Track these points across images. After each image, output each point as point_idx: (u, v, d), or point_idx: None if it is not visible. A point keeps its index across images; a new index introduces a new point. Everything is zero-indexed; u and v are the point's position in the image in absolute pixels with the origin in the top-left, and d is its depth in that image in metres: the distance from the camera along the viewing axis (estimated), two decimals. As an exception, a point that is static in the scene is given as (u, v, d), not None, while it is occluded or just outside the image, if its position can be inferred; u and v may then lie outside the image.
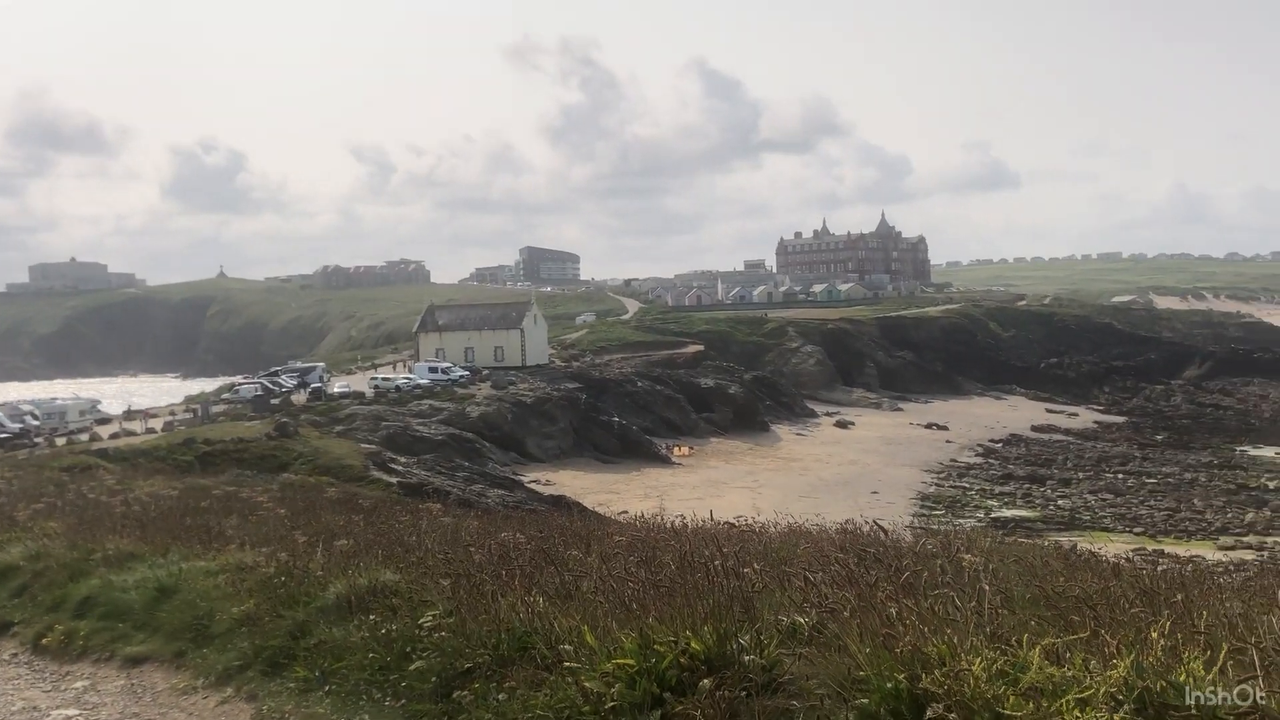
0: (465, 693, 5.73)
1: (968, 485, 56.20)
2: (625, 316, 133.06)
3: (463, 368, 77.12)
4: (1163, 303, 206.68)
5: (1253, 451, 64.14)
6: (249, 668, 7.43)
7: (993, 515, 47.65)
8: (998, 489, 54.79)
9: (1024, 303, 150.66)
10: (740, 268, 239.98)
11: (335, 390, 68.52)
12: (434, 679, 6.03)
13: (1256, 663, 4.08)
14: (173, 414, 62.65)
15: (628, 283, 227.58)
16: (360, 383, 72.63)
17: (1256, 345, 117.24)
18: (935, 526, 19.64)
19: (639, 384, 75.36)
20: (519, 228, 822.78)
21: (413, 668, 6.22)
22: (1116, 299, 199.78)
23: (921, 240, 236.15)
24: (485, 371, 75.90)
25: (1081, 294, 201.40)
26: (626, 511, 33.79)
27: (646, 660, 4.96)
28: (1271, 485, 52.14)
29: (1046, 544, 14.99)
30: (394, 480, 41.99)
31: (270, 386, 72.55)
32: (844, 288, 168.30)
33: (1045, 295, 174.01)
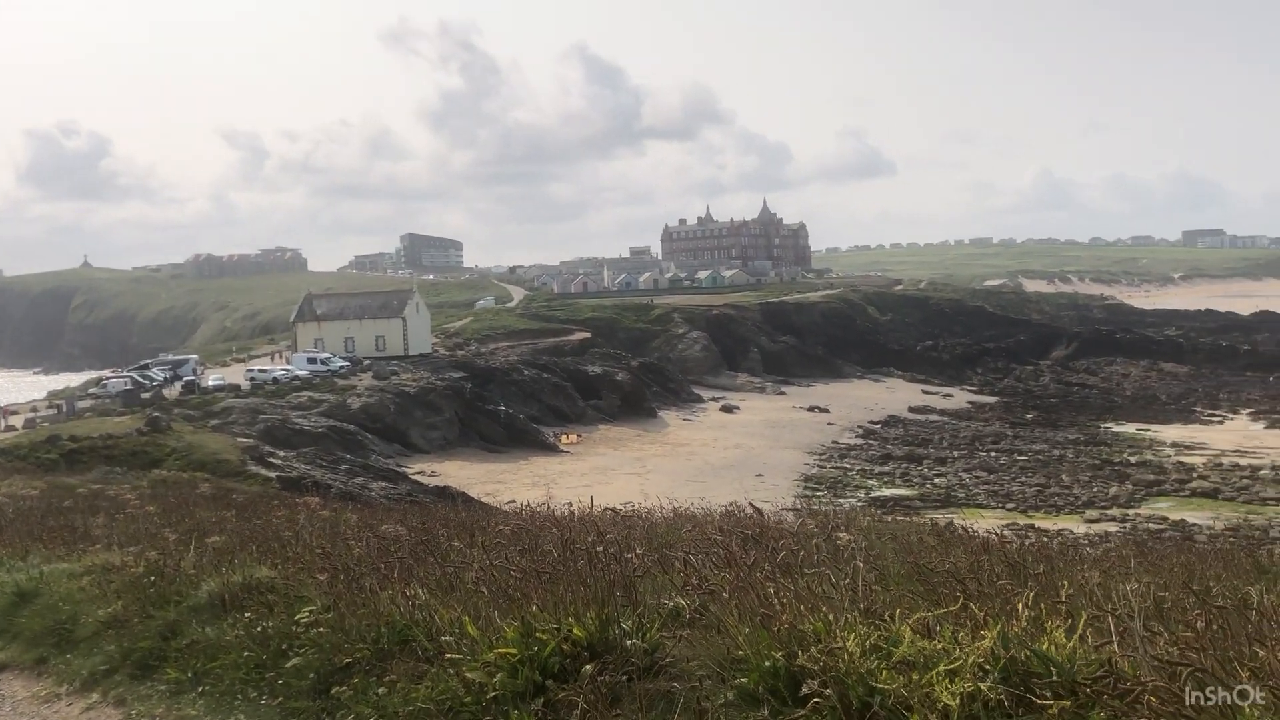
0: (344, 688, 5.61)
1: (849, 466, 57.53)
2: (511, 304, 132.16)
3: (343, 358, 75.53)
4: (1031, 286, 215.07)
5: (1116, 428, 67.17)
6: (116, 672, 7.14)
7: (873, 495, 48.90)
8: (877, 469, 56.22)
9: (900, 288, 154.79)
10: (626, 254, 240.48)
11: (210, 383, 66.39)
12: (312, 675, 5.89)
13: (1112, 629, 4.27)
14: (35, 410, 59.87)
15: (513, 270, 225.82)
16: (236, 375, 70.51)
17: (1118, 326, 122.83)
18: (817, 507, 20.09)
19: (525, 372, 74.97)
20: (400, 214, 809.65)
21: (290, 665, 6.07)
22: (988, 283, 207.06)
23: (802, 227, 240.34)
24: (366, 362, 74.49)
25: (955, 278, 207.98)
26: (514, 501, 33.58)
27: (529, 648, 4.93)
28: (1133, 460, 54.71)
29: (923, 521, 15.46)
30: (273, 475, 40.92)
31: (140, 380, 69.90)
32: (728, 274, 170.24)
33: (921, 280, 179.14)
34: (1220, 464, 51.49)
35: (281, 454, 47.20)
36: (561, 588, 5.48)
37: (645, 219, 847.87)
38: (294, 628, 6.46)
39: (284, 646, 6.29)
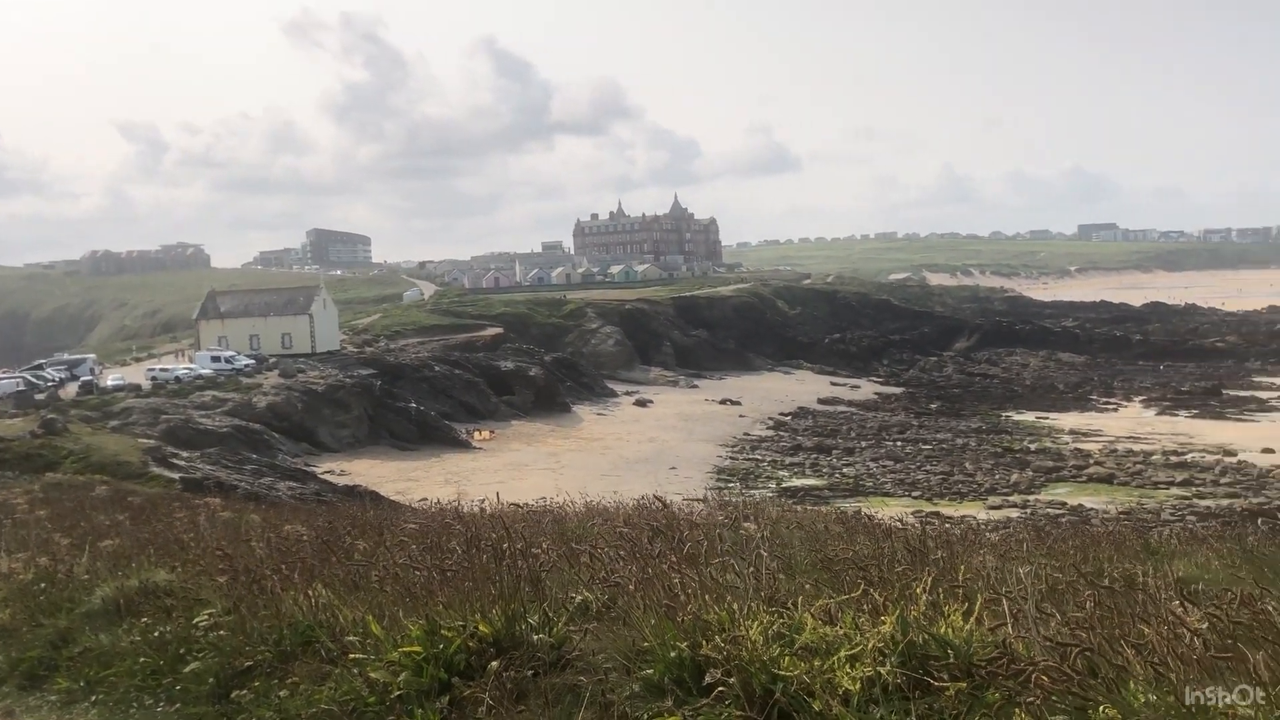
0: (245, 692, 5.49)
1: (760, 457, 58.18)
2: (421, 299, 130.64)
3: (248, 356, 73.78)
4: (934, 279, 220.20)
5: (1016, 417, 69.08)
6: (4, 683, 6.88)
7: (783, 485, 49.53)
8: (788, 460, 56.95)
9: (809, 281, 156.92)
10: (538, 249, 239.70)
11: (109, 383, 64.26)
12: (211, 680, 5.75)
13: (1007, 611, 4.40)
14: (-82, 414, 57.23)
15: (422, 265, 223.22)
16: (136, 374, 68.37)
17: (1018, 318, 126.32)
18: (729, 498, 20.31)
19: (436, 369, 74.18)
20: (305, 209, 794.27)
21: (188, 670, 5.91)
22: (893, 276, 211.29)
23: (713, 222, 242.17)
24: (273, 360, 72.87)
25: (861, 272, 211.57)
26: (426, 499, 33.23)
27: (434, 646, 4.88)
28: (1033, 448, 56.33)
29: (832, 511, 15.71)
30: (176, 476, 39.79)
31: (34, 381, 67.32)
32: (640, 268, 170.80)
33: (828, 274, 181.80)
34: (1115, 450, 53.31)
35: (185, 455, 45.95)
36: (468, 584, 5.44)
37: (557, 214, 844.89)
38: (193, 631, 6.30)
39: (182, 651, 6.13)
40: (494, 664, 4.64)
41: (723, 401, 79.45)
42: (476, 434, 64.71)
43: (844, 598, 4.65)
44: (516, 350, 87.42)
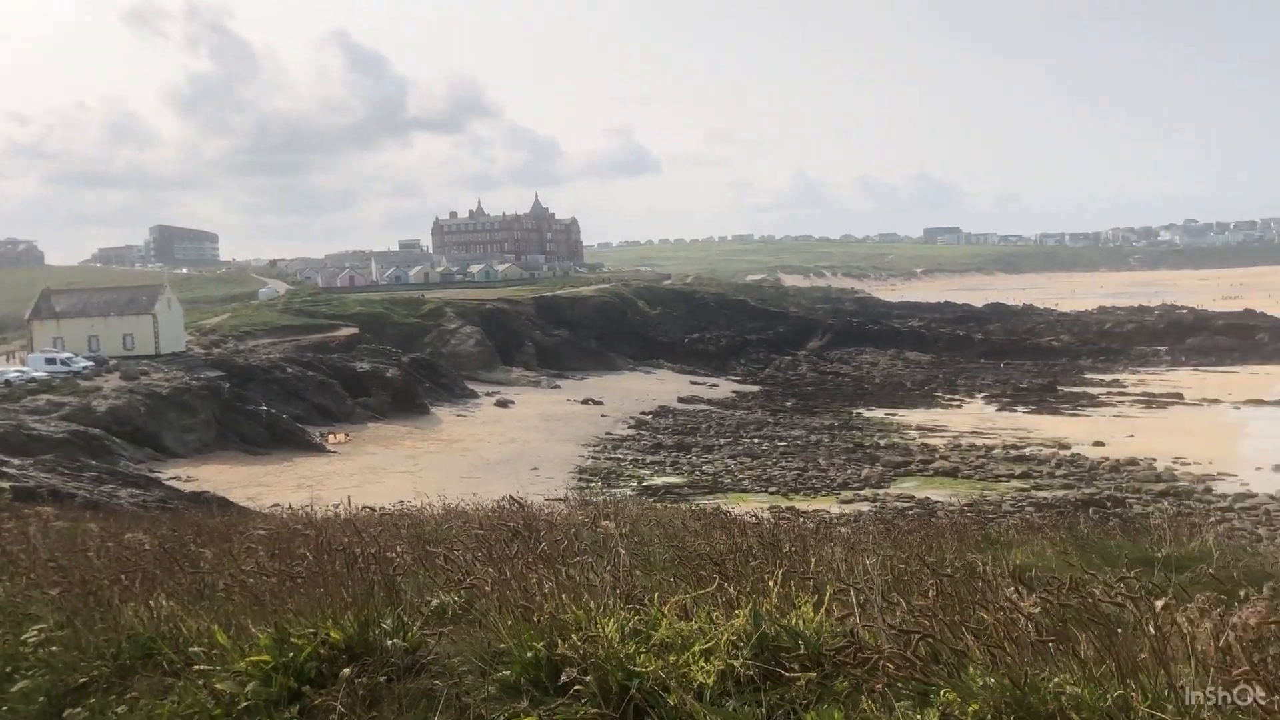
0: (79, 710, 5.22)
1: (622, 456, 58.51)
2: (274, 298, 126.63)
3: (86, 358, 70.17)
4: (789, 280, 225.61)
5: (867, 414, 71.27)
6: None
7: (645, 483, 49.93)
8: (649, 458, 57.42)
9: (669, 282, 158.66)
10: (395, 248, 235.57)
11: (-72, 387, 60.19)
12: (42, 699, 5.45)
13: (854, 601, 4.55)
14: None
15: (273, 264, 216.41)
16: (-40, 378, 64.21)
17: (868, 318, 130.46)
18: (590, 498, 20.38)
19: (289, 370, 72.02)
20: (147, 205, 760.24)
21: (16, 689, 5.58)
22: (750, 278, 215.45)
23: (574, 222, 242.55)
24: (113, 361, 69.50)
25: (719, 273, 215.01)
26: (278, 505, 32.23)
27: (283, 655, 4.74)
28: (882, 443, 58.23)
29: (691, 508, 15.93)
30: (6, 485, 37.51)
31: None
32: (501, 268, 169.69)
33: (687, 275, 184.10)
34: (959, 445, 55.57)
35: (16, 462, 43.34)
36: (320, 591, 5.30)
37: (415, 212, 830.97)
38: (21, 648, 5.95)
39: (9, 670, 5.79)
40: (346, 671, 4.53)
41: (584, 401, 79.56)
42: (331, 437, 63.12)
43: (699, 593, 4.72)
44: (373, 351, 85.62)
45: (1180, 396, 66.73)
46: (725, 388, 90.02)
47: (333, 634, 4.77)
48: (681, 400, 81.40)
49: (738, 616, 4.34)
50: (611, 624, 4.21)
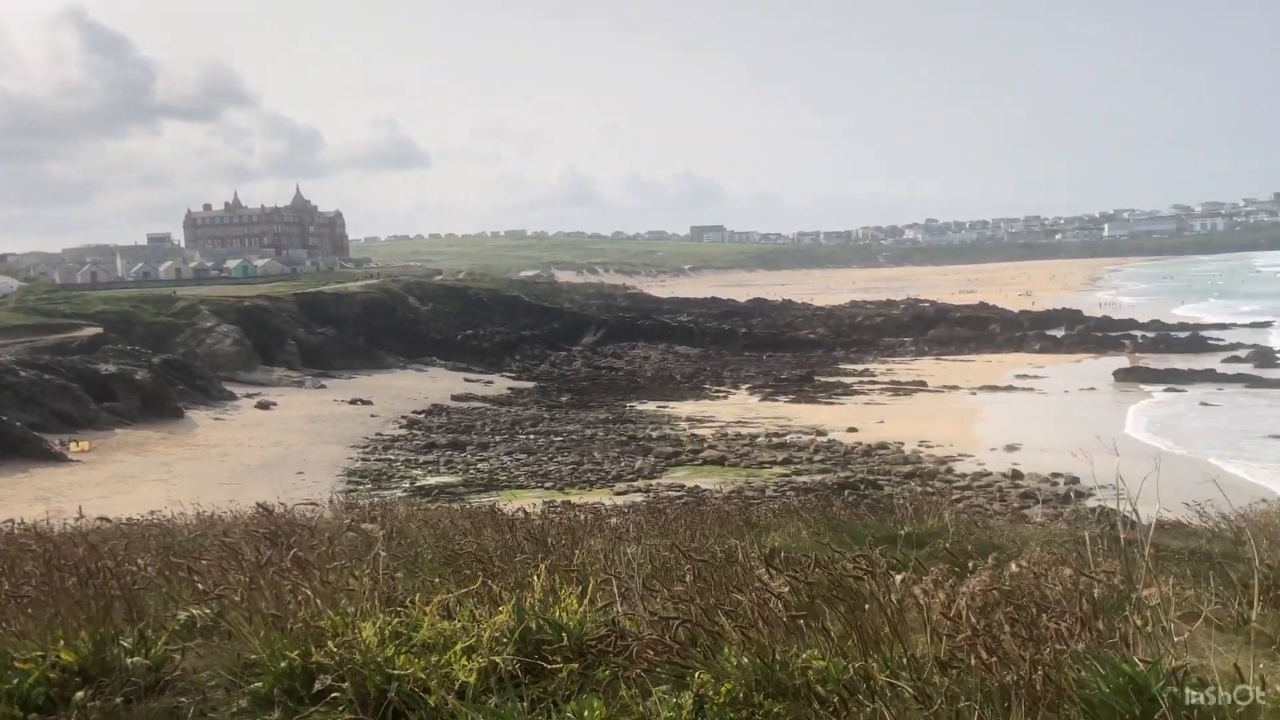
0: None
1: (393, 457, 57.16)
2: (4, 295, 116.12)
3: None
4: (562, 277, 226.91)
5: (639, 406, 72.66)
6: None
7: (418, 484, 48.98)
8: (422, 458, 56.38)
9: (440, 278, 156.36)
10: (143, 242, 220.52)
11: None
12: None
13: (615, 591, 4.65)
14: None
15: (3, 258, 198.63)
16: None
17: (640, 313, 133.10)
18: (359, 500, 19.83)
19: (22, 374, 66.17)
20: None
21: None
22: (523, 274, 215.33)
23: (339, 215, 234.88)
24: None
25: (492, 269, 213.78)
26: (11, 520, 29.65)
27: (6, 681, 4.37)
28: (655, 435, 59.52)
29: (465, 507, 15.79)
30: None
31: None
32: (260, 263, 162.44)
33: (460, 270, 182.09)
34: (726, 434, 57.52)
35: None
36: (50, 611, 4.91)
37: (165, 204, 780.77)
38: None
39: None
40: (79, 694, 4.23)
41: (353, 401, 77.22)
42: (73, 445, 58.50)
43: (463, 591, 4.69)
44: (120, 352, 79.91)
45: (924, 384, 71.65)
46: (500, 384, 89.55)
47: (64, 655, 4.43)
48: (455, 398, 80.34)
49: (501, 613, 4.35)
50: (370, 628, 4.12)
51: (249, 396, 78.75)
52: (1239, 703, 3.97)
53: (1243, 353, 74.19)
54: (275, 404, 75.73)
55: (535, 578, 4.85)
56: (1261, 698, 4.00)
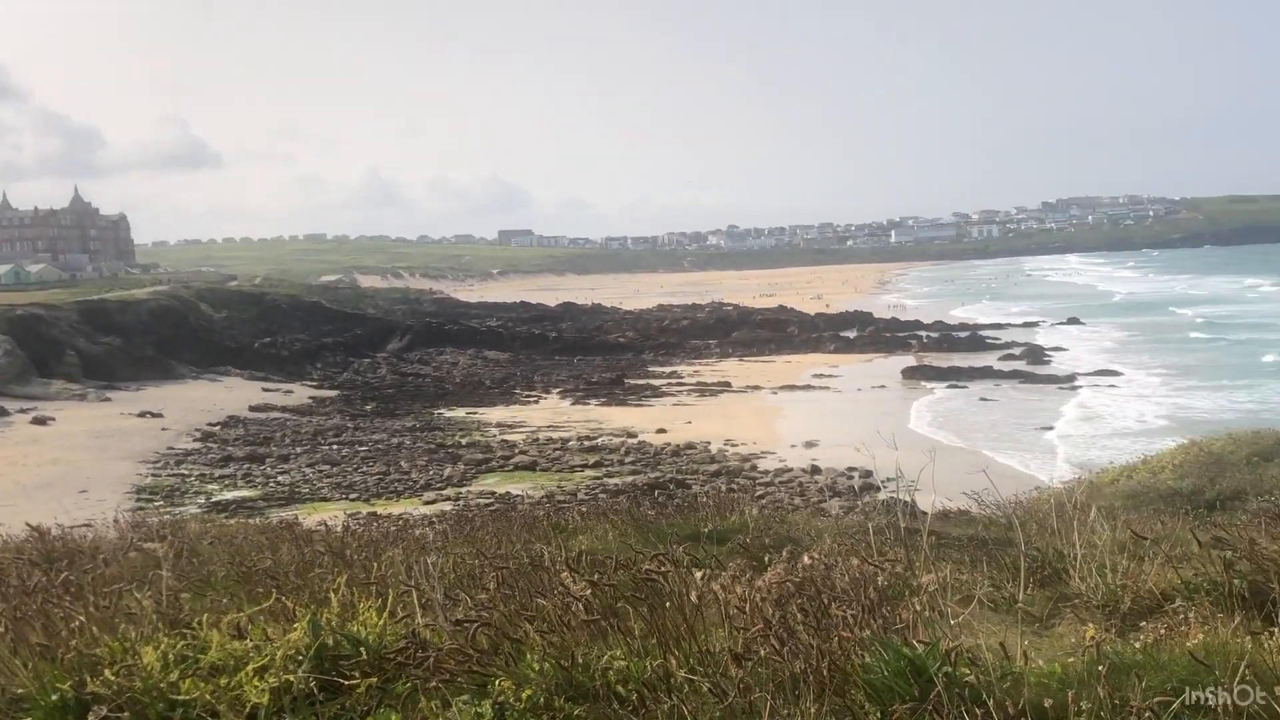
0: None
1: (187, 472, 54.37)
2: None
3: None
4: (366, 281, 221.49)
5: (448, 413, 71.62)
6: None
7: (214, 499, 46.78)
8: (218, 472, 53.86)
9: (235, 283, 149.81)
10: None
11: None
12: None
13: (416, 602, 4.58)
14: None
15: None
16: None
17: (447, 318, 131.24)
18: (149, 519, 18.73)
19: None
20: None
21: None
22: (325, 278, 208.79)
23: (123, 218, 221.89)
24: None
25: (291, 274, 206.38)
26: None
27: None
28: (464, 442, 58.83)
29: (265, 522, 15.17)
30: None
31: None
32: (34, 269, 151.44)
33: (256, 276, 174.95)
34: (537, 439, 57.45)
35: None
36: None
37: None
38: None
39: None
40: None
41: (141, 414, 72.94)
42: None
43: (255, 609, 4.52)
44: None
45: (729, 385, 73.67)
46: (301, 393, 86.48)
47: None
48: (253, 409, 77.08)
49: (295, 630, 4.22)
50: (152, 652, 3.92)
51: (23, 412, 73.20)
52: (1006, 677, 4.28)
53: (1017, 350, 79.78)
54: (54, 419, 70.68)
55: (333, 592, 4.73)
56: (1026, 671, 4.32)
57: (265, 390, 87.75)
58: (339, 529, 10.02)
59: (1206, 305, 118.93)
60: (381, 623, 4.45)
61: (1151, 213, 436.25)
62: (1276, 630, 5.10)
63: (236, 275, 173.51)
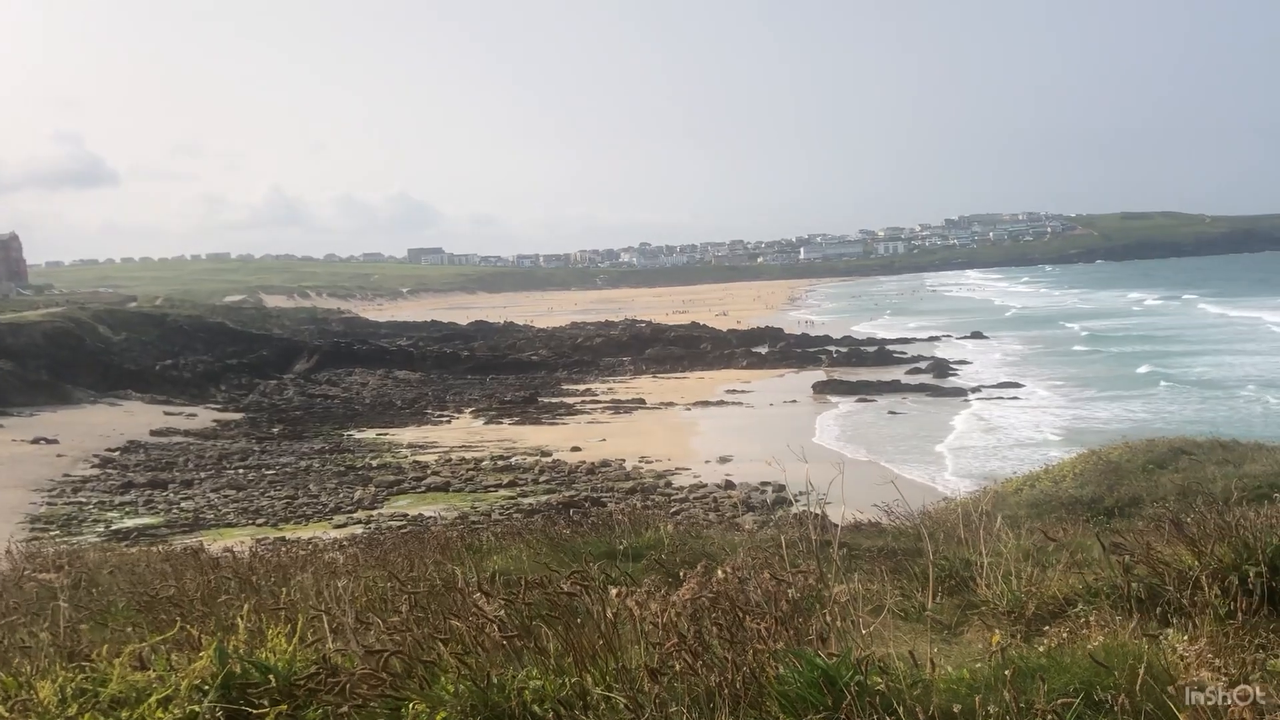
0: None
1: (85, 499, 52.47)
2: None
3: None
4: (271, 301, 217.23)
5: (358, 435, 70.45)
6: None
7: (114, 527, 45.21)
8: (118, 499, 52.11)
9: (135, 304, 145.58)
10: None
11: None
12: None
13: (326, 626, 4.50)
14: None
15: None
16: None
17: (356, 338, 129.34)
18: (43, 549, 18.05)
19: None
20: None
21: None
22: (229, 299, 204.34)
23: (14, 237, 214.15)
24: None
25: (194, 294, 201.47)
26: None
27: None
28: (375, 464, 57.92)
29: (169, 549, 14.73)
30: None
31: None
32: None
33: (157, 296, 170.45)
34: (450, 459, 56.81)
35: None
36: None
37: None
38: None
39: None
40: None
41: (35, 440, 70.26)
42: None
43: (158, 638, 4.40)
44: None
45: (643, 401, 73.85)
46: (205, 417, 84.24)
47: None
48: (154, 433, 74.84)
49: (201, 658, 4.11)
50: (49, 686, 3.79)
51: (-94, 440, 70.08)
52: (916, 684, 4.37)
53: (923, 364, 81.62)
54: (-61, 447, 67.82)
55: (240, 618, 4.63)
56: (935, 677, 4.41)
57: (167, 414, 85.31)
58: (246, 555, 9.78)
59: (1092, 320, 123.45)
60: (291, 649, 4.36)
61: (1049, 229, 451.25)
62: (1171, 631, 5.31)
63: (136, 296, 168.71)
